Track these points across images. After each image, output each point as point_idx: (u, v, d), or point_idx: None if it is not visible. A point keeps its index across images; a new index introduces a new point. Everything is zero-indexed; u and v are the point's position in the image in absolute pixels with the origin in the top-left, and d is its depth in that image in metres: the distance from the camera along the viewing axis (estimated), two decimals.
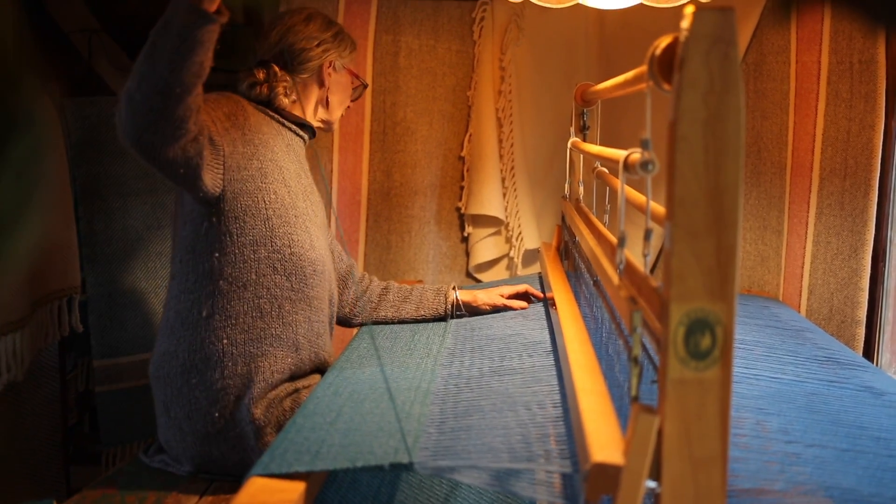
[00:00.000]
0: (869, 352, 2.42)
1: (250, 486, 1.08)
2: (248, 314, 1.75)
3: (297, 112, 1.94)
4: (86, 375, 2.63)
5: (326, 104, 1.99)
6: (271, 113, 1.90)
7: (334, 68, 1.97)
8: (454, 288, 2.12)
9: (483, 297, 2.11)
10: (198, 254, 1.75)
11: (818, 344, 1.92)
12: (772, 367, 1.65)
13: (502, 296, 2.11)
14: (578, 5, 2.10)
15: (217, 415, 1.71)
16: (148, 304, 2.51)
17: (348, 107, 2.07)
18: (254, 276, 1.74)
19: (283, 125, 1.91)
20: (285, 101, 1.91)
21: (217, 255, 1.73)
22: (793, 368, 1.67)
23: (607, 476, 0.92)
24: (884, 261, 2.40)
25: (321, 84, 1.96)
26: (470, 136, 2.75)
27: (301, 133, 1.95)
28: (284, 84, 1.91)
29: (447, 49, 2.71)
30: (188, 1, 1.42)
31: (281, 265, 1.77)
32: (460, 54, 2.73)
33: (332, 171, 2.70)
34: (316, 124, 1.99)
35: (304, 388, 1.79)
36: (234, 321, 1.74)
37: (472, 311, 2.11)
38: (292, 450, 1.17)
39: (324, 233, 1.96)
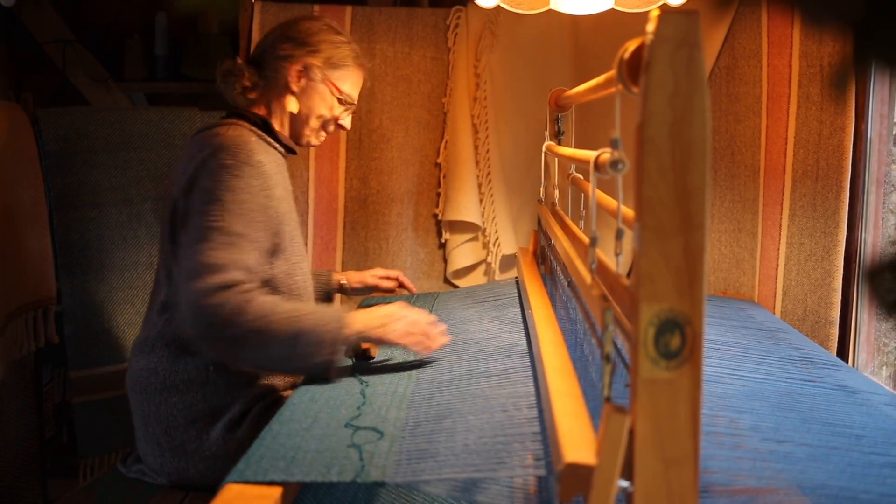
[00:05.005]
0: (843, 351, 2.44)
1: (226, 493, 1.08)
2: None
3: (276, 126, 1.79)
4: (62, 386, 2.61)
5: (287, 109, 1.79)
6: (269, 140, 1.77)
7: (309, 76, 1.78)
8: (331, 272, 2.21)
9: (355, 276, 2.22)
10: None
11: (793, 344, 1.94)
12: (747, 367, 1.66)
13: (374, 276, 2.23)
14: (552, 11, 2.11)
15: (195, 433, 1.69)
16: (124, 313, 2.50)
17: (332, 130, 1.88)
18: None
19: (275, 147, 1.78)
20: (241, 100, 1.76)
21: None
22: (767, 368, 1.68)
23: (579, 476, 0.93)
24: (857, 262, 2.43)
25: (288, 89, 1.77)
26: (446, 142, 2.76)
27: (285, 153, 1.83)
28: (246, 83, 1.75)
29: (422, 56, 2.72)
30: (329, 365, 1.54)
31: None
32: (435, 61, 2.74)
33: (308, 179, 2.69)
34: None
35: (287, 395, 1.77)
36: None
37: (347, 290, 2.21)
38: (268, 456, 1.17)
39: (305, 252, 1.86)
